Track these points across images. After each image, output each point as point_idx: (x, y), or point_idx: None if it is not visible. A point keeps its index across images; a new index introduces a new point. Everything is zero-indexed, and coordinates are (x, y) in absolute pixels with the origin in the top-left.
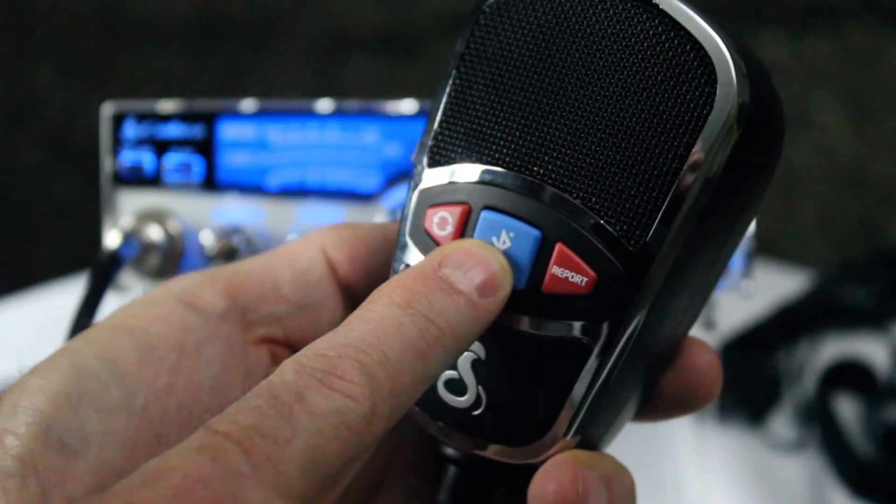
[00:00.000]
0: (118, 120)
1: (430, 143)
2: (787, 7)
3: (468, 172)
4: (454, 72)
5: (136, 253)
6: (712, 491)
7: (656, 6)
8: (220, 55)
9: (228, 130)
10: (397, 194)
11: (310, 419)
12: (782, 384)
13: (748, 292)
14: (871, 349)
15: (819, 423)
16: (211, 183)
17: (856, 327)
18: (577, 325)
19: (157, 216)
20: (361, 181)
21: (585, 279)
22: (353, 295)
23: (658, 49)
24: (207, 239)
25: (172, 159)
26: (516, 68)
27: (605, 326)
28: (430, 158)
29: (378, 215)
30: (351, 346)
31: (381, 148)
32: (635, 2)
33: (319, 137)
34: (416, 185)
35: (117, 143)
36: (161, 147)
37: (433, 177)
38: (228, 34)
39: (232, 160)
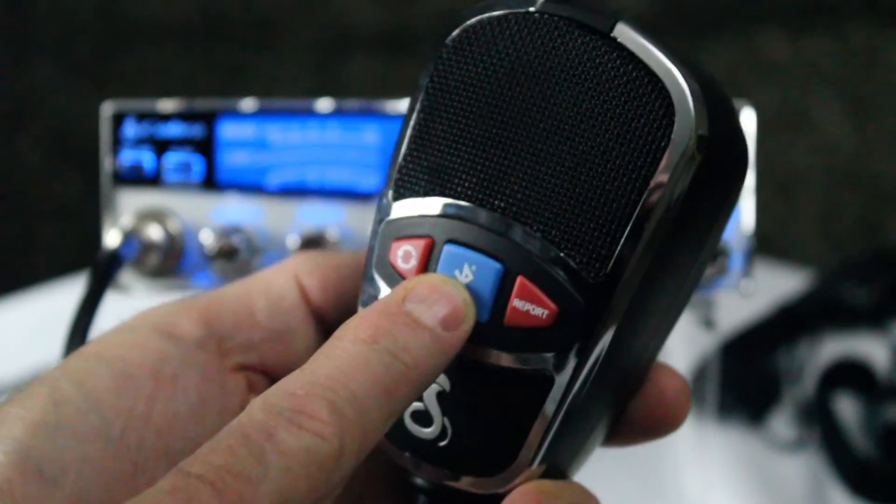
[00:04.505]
0: (118, 119)
1: (394, 175)
2: (787, 6)
3: (432, 205)
4: (418, 105)
5: (136, 252)
6: (712, 491)
7: (614, 39)
8: (220, 54)
9: (228, 130)
10: None
11: (280, 458)
12: (782, 384)
13: (748, 292)
14: (870, 349)
15: (819, 422)
16: (211, 182)
17: (856, 327)
18: (540, 356)
19: (157, 216)
20: (361, 180)
21: (547, 312)
22: (324, 321)
23: (616, 82)
24: (207, 238)
25: (172, 159)
26: (478, 102)
27: (567, 357)
28: (394, 191)
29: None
30: (318, 384)
31: (382, 147)
32: (593, 35)
33: (319, 137)
34: (381, 218)
35: (117, 143)
36: (161, 146)
37: (398, 209)
38: (228, 34)
39: (232, 159)
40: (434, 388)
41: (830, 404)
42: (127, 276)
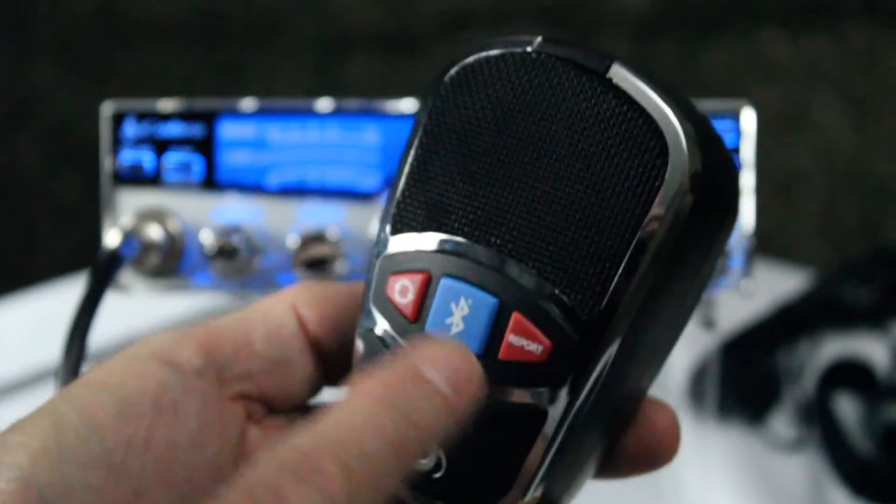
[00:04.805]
0: (118, 119)
1: (392, 210)
2: (788, 6)
3: (429, 241)
4: (416, 142)
5: (136, 252)
6: (712, 490)
7: (609, 80)
8: (220, 54)
9: (228, 129)
10: None
11: None
12: (782, 383)
13: (748, 291)
14: (871, 348)
15: (819, 422)
16: (211, 182)
17: (856, 326)
18: (534, 391)
19: (157, 215)
20: (361, 180)
21: (541, 347)
22: (322, 352)
23: (611, 122)
24: (207, 238)
25: (172, 158)
26: (475, 139)
27: (560, 393)
28: (392, 226)
29: (378, 214)
30: (329, 440)
31: (382, 147)
32: (589, 76)
33: (319, 136)
34: (379, 252)
35: (117, 143)
36: (161, 146)
37: (396, 244)
38: (228, 33)
39: (232, 159)
40: None
41: (830, 404)
42: (127, 276)
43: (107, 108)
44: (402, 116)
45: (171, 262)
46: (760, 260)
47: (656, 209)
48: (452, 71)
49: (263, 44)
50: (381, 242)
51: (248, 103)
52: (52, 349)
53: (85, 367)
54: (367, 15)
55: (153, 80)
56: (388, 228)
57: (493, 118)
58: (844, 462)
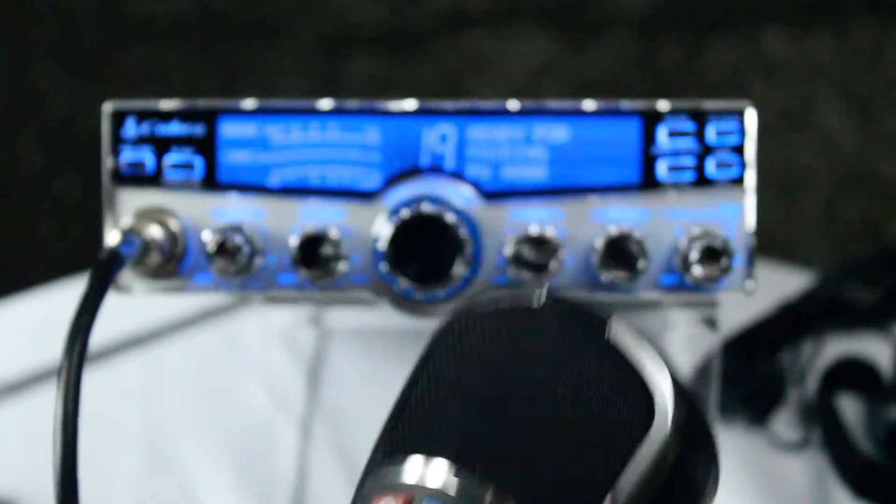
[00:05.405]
0: (118, 118)
1: (388, 434)
2: (790, 6)
3: (416, 464)
4: (419, 376)
5: (137, 252)
6: None
7: (606, 339)
8: (220, 53)
9: (229, 129)
10: (398, 193)
11: None
12: (785, 384)
13: (750, 291)
14: (874, 349)
15: (822, 422)
16: (211, 182)
17: (859, 327)
18: None
19: (158, 215)
20: (362, 179)
21: None
22: None
23: (601, 374)
24: (208, 238)
25: (173, 158)
26: (471, 381)
27: None
28: (384, 448)
29: (380, 214)
30: None
31: (382, 146)
32: (586, 332)
33: (320, 136)
34: (368, 471)
35: (117, 142)
36: (161, 146)
37: (385, 465)
38: (229, 32)
39: (232, 159)
40: None
41: (833, 404)
42: (127, 276)
43: (107, 108)
44: (403, 116)
45: (171, 262)
46: (762, 260)
47: (637, 460)
48: (462, 319)
49: (263, 44)
50: (371, 463)
51: (248, 103)
52: (52, 349)
53: (86, 369)
54: (368, 15)
55: (153, 79)
56: (381, 451)
57: (495, 361)
58: (847, 462)
